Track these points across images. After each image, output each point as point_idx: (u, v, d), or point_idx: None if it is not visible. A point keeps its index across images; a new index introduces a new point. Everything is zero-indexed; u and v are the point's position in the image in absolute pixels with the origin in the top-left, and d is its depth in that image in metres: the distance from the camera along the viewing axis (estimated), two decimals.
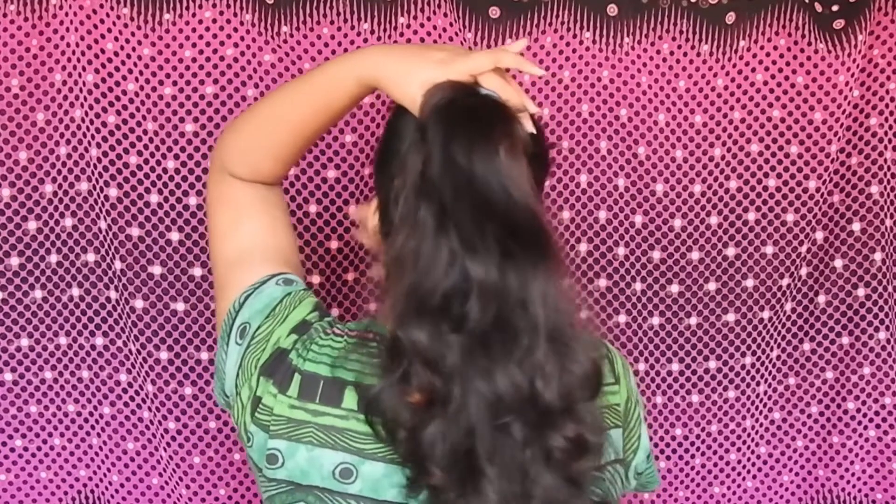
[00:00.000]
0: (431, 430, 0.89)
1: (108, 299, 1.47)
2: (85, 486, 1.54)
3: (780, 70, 1.46)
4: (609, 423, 1.01)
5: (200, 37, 1.38)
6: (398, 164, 0.95)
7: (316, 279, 1.47)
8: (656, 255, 1.51)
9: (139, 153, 1.41)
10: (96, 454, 1.53)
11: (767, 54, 1.46)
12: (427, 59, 0.95)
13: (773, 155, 1.49)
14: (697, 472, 1.60)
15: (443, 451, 0.89)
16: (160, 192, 1.41)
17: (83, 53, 1.37)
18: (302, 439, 0.97)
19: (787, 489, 1.64)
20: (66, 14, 1.36)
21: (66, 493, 1.54)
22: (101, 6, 1.36)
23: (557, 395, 0.88)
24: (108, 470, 1.52)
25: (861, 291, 1.56)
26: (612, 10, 1.43)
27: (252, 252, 1.08)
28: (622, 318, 1.52)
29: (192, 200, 1.42)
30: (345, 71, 1.01)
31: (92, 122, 1.39)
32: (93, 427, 1.52)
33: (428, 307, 0.87)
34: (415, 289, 0.88)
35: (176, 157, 1.41)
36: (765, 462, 1.63)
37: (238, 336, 1.04)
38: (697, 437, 1.59)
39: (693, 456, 1.60)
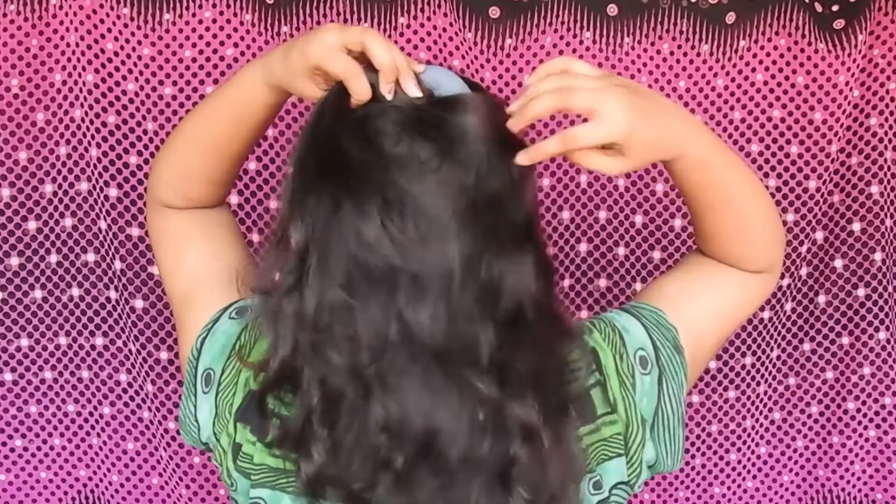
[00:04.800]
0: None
1: (108, 299, 1.47)
2: (85, 486, 1.54)
3: (780, 70, 1.46)
4: (608, 454, 0.95)
5: (200, 37, 1.38)
6: None
7: None
8: (656, 255, 1.51)
9: (139, 153, 1.41)
10: (96, 454, 1.53)
11: (767, 54, 1.46)
12: (303, 45, 0.90)
13: (773, 155, 1.49)
14: (697, 473, 1.60)
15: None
16: None
17: (83, 53, 1.37)
18: (286, 489, 0.93)
19: (787, 489, 1.64)
20: (66, 14, 1.36)
21: (66, 493, 1.54)
22: (101, 6, 1.36)
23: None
24: (108, 470, 1.53)
25: (861, 291, 1.56)
26: (612, 10, 1.43)
27: (199, 285, 1.04)
28: None
29: None
30: (252, 78, 0.96)
31: (92, 122, 1.39)
32: (93, 427, 1.52)
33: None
34: None
35: None
36: (765, 462, 1.63)
37: (204, 384, 0.99)
38: (697, 437, 1.59)
39: (693, 456, 1.60)
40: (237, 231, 1.13)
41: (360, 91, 0.87)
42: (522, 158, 0.86)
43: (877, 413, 1.61)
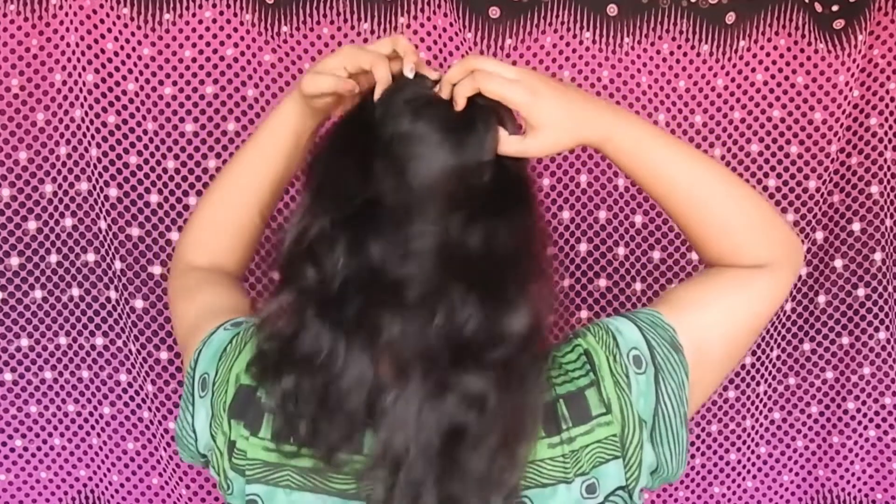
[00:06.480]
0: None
1: (108, 299, 1.47)
2: (85, 486, 1.54)
3: (780, 70, 1.46)
4: (604, 456, 0.95)
5: (200, 37, 1.38)
6: None
7: None
8: (656, 255, 1.51)
9: (139, 153, 1.41)
10: (96, 454, 1.53)
11: (767, 54, 1.46)
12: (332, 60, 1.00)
13: (773, 155, 1.49)
14: (697, 472, 1.61)
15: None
16: (160, 192, 1.42)
17: (83, 53, 1.37)
18: (279, 483, 0.94)
19: (787, 489, 1.64)
20: (66, 14, 1.37)
21: (66, 493, 1.54)
22: (101, 6, 1.36)
23: None
24: (108, 470, 1.53)
25: (861, 291, 1.56)
26: (612, 10, 1.43)
27: (204, 315, 1.08)
28: None
29: (192, 200, 1.42)
30: (282, 105, 1.06)
31: (92, 122, 1.39)
32: (93, 427, 1.52)
33: None
34: None
35: (176, 157, 1.41)
36: (765, 462, 1.63)
37: (200, 389, 1.02)
38: (698, 437, 1.59)
39: (693, 456, 1.60)
40: (244, 292, 1.17)
41: (383, 77, 0.95)
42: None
43: (877, 413, 1.61)
